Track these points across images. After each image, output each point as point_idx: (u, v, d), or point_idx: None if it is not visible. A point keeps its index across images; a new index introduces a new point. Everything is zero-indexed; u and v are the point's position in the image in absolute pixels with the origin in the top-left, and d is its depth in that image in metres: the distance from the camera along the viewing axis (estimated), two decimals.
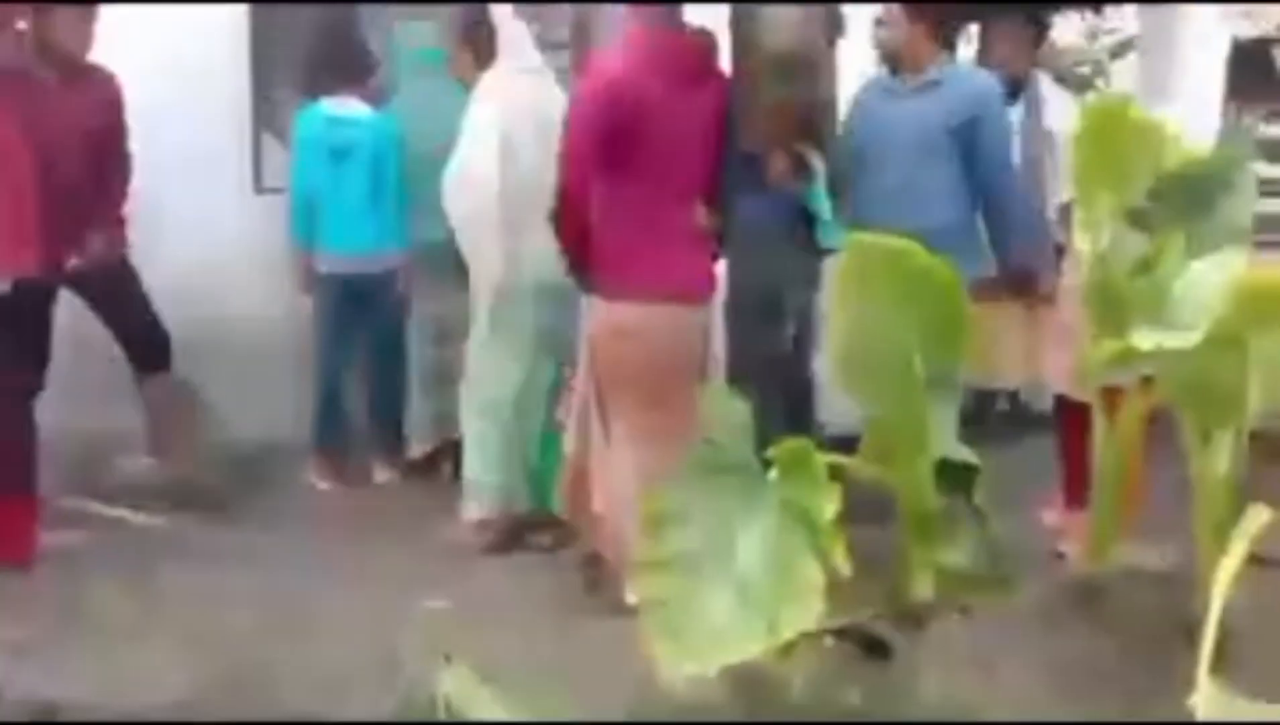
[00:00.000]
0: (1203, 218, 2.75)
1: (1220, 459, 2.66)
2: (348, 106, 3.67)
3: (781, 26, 2.66)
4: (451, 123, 3.31)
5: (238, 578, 3.02)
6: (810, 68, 2.78)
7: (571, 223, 2.87)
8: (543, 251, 3.10)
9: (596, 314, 2.92)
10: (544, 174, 2.97)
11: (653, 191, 2.83)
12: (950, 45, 3.72)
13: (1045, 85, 4.12)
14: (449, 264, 3.48)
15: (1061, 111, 4.01)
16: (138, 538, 3.42)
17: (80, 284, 3.41)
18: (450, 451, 3.72)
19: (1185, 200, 2.76)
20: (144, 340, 3.57)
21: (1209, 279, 2.26)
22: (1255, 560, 2.94)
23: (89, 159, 3.33)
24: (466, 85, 3.36)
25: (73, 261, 3.32)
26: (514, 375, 3.31)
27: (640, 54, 2.79)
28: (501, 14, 3.33)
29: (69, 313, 3.46)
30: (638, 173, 2.81)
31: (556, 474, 3.18)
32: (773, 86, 2.72)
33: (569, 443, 3.08)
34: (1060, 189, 3.91)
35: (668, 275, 2.85)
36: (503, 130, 3.20)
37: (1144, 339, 2.10)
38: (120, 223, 3.58)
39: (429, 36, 3.87)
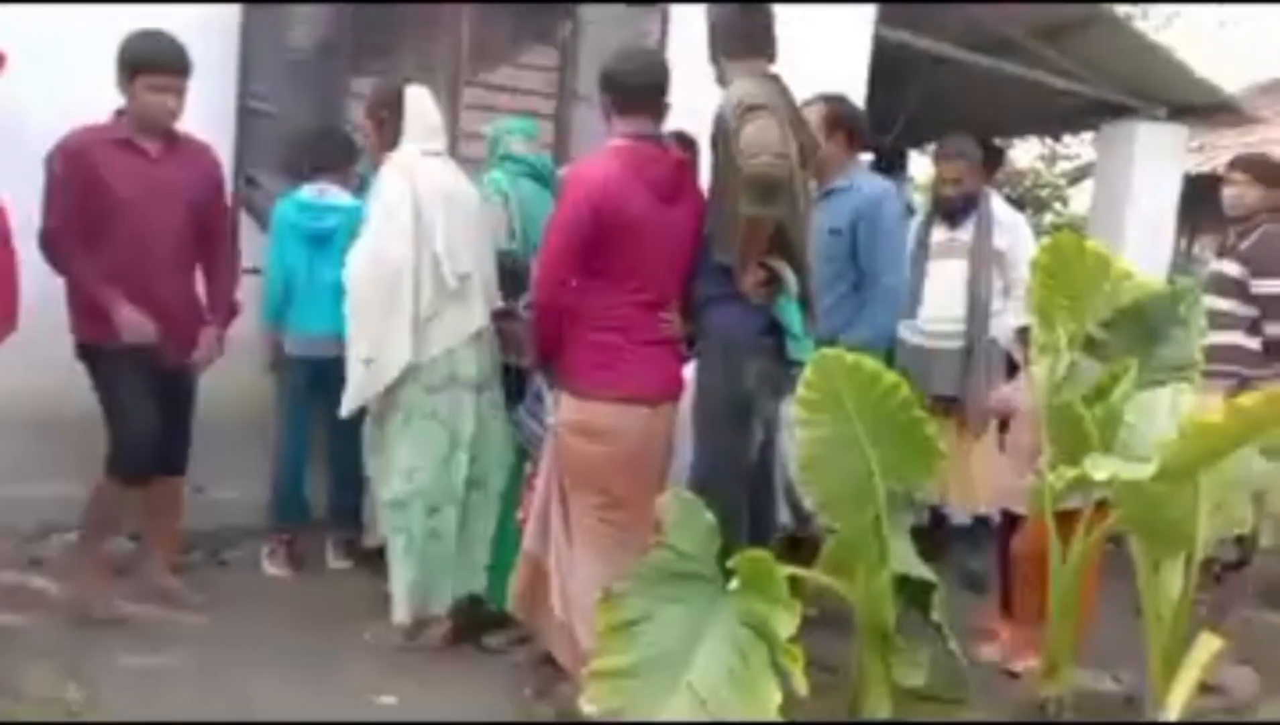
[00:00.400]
0: (1154, 348, 2.86)
1: (1171, 587, 2.72)
2: (327, 193, 3.71)
3: (760, 149, 2.75)
4: None
5: (179, 660, 2.99)
6: (786, 189, 2.87)
7: (549, 322, 2.91)
8: (452, 336, 3.18)
9: (565, 412, 2.93)
10: (456, 257, 3.13)
11: (631, 296, 2.89)
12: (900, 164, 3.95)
13: (998, 205, 4.30)
14: None
15: (1014, 232, 4.23)
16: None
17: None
18: None
19: (1138, 331, 2.87)
20: (178, 442, 3.40)
21: (1160, 410, 2.33)
22: (1206, 689, 2.99)
23: (195, 230, 3.29)
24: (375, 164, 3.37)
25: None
26: (424, 470, 3.19)
27: (624, 164, 2.86)
28: (415, 95, 3.34)
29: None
30: (618, 278, 2.87)
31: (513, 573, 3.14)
32: (750, 205, 2.79)
33: (528, 541, 3.05)
34: (1011, 307, 4.07)
35: (641, 378, 2.90)
36: (415, 210, 3.16)
37: (1099, 468, 2.15)
38: (230, 313, 3.48)
39: None
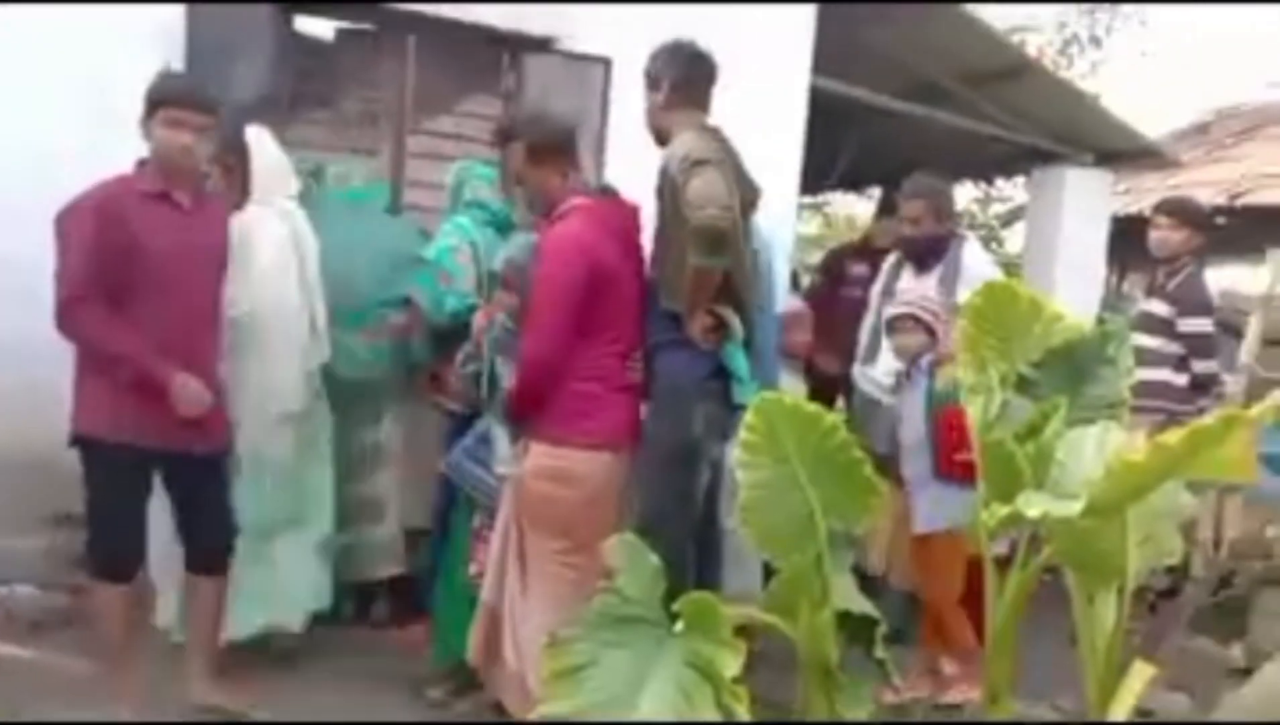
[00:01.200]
0: (1084, 387, 2.95)
1: (1105, 617, 2.78)
2: None
3: (706, 202, 2.81)
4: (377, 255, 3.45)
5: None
6: (732, 239, 2.94)
7: (543, 383, 2.91)
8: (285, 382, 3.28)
9: (537, 459, 2.92)
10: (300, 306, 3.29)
11: (608, 347, 2.95)
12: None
13: (971, 252, 3.97)
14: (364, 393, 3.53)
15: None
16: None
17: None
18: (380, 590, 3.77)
19: (1068, 370, 2.96)
20: (209, 537, 3.09)
21: (1088, 447, 2.41)
22: (1142, 714, 3.06)
23: (218, 292, 3.10)
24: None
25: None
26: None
27: (596, 222, 2.94)
28: (258, 138, 3.38)
29: None
30: (599, 330, 2.92)
31: (463, 624, 3.11)
32: (698, 256, 2.85)
33: (486, 592, 3.03)
34: None
35: (614, 424, 2.97)
36: (279, 256, 3.27)
37: (1030, 505, 2.21)
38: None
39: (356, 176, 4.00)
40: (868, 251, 5.03)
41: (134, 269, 2.81)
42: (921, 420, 3.51)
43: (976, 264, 3.91)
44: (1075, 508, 2.12)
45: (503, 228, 3.59)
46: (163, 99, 2.88)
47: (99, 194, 2.84)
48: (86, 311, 2.79)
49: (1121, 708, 2.59)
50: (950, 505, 3.38)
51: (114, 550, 2.93)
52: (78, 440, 2.90)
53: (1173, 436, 1.99)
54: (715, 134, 3.09)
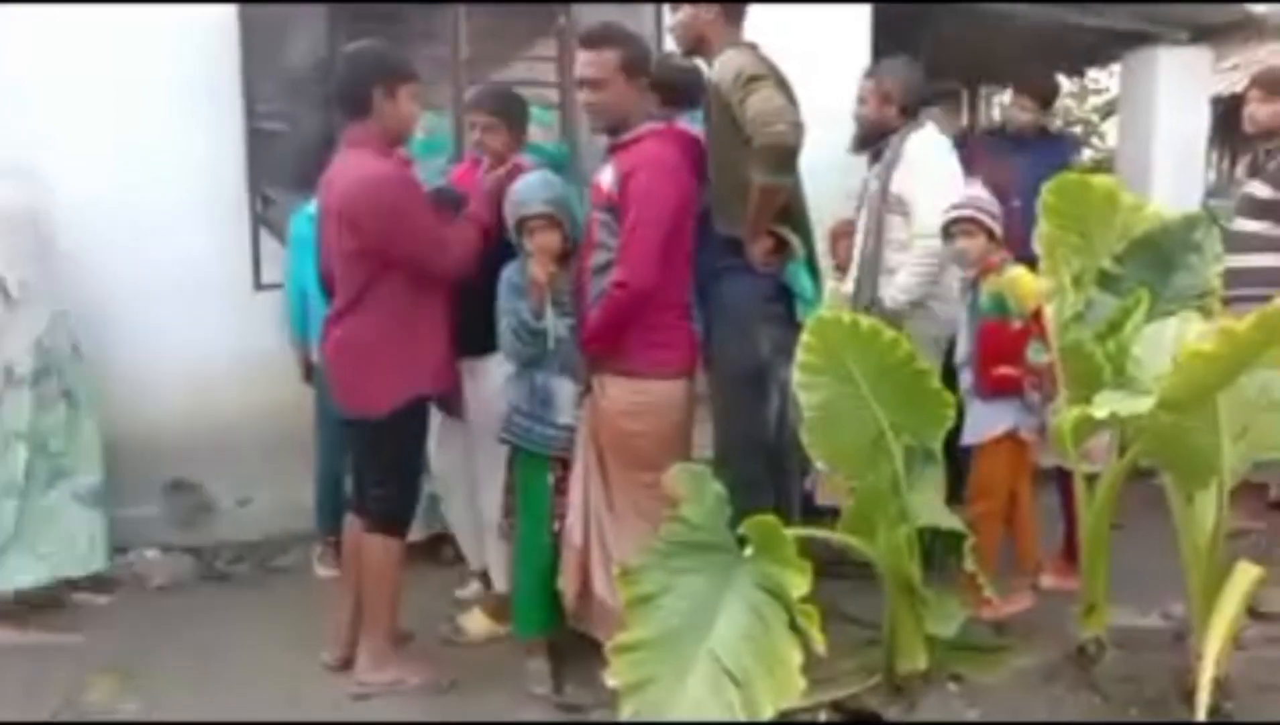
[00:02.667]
0: (1170, 277, 2.81)
1: (1205, 518, 2.67)
2: None
3: (773, 118, 2.76)
4: None
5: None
6: (796, 157, 2.88)
7: (640, 304, 2.86)
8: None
9: (618, 394, 2.92)
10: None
11: (679, 272, 2.94)
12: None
13: (918, 138, 3.66)
14: None
15: (918, 173, 3.59)
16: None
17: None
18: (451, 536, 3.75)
19: (1152, 261, 2.83)
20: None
21: (1166, 341, 2.30)
22: (1253, 614, 2.94)
23: None
24: None
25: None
26: None
27: (680, 149, 2.95)
28: None
29: None
30: (677, 259, 2.91)
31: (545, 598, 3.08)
32: (765, 174, 2.80)
33: (575, 536, 3.00)
34: (906, 267, 3.56)
35: (685, 353, 2.98)
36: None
37: (1100, 406, 2.13)
38: None
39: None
40: None
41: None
42: (967, 335, 3.40)
43: (920, 149, 3.63)
44: (1145, 404, 2.03)
45: (560, 168, 3.57)
46: (407, 72, 2.91)
47: (395, 173, 2.87)
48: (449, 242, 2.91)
49: (1227, 611, 2.50)
50: (988, 420, 3.29)
51: (411, 505, 3.06)
52: (410, 403, 2.93)
53: (1241, 324, 1.88)
54: (756, 49, 3.02)
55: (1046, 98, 4.94)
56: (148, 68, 3.92)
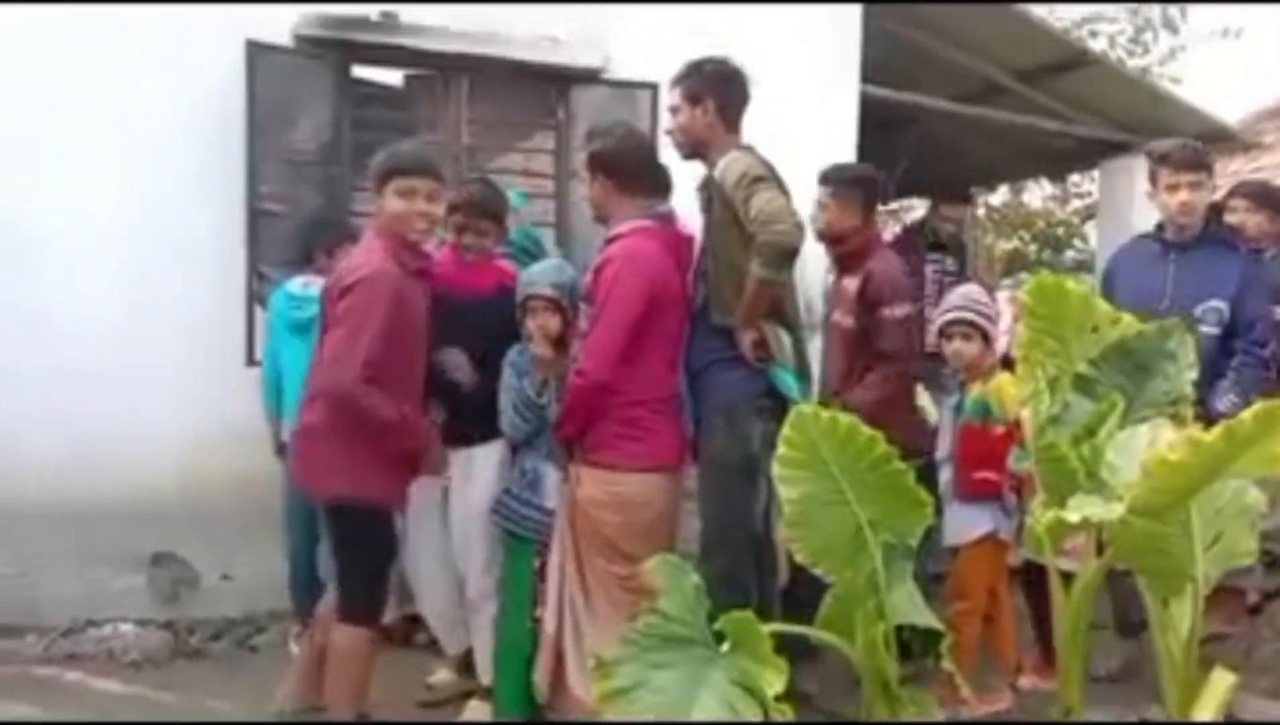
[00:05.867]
0: (1145, 384, 2.86)
1: (1180, 622, 2.68)
2: (312, 285, 3.66)
3: (778, 218, 2.85)
4: None
5: None
6: (796, 256, 2.97)
7: (601, 394, 2.94)
8: None
9: (592, 486, 2.97)
10: None
11: (657, 367, 3.00)
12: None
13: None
14: None
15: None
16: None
17: None
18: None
19: (1128, 367, 2.88)
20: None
21: (1137, 446, 2.35)
22: (1229, 722, 2.93)
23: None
24: None
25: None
26: None
27: (660, 244, 3.02)
28: None
29: None
30: (657, 353, 2.99)
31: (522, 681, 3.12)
32: (765, 269, 2.89)
33: (549, 623, 3.05)
34: None
35: (666, 446, 3.02)
36: None
37: (1073, 510, 2.17)
38: None
39: None
40: None
41: (395, 347, 2.83)
42: (950, 435, 3.46)
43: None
44: (1118, 510, 2.07)
45: (529, 254, 3.64)
46: (397, 168, 2.90)
47: (383, 269, 2.81)
48: (367, 389, 2.77)
49: (1203, 716, 2.50)
50: (969, 522, 3.34)
51: (374, 599, 2.96)
52: (342, 505, 2.88)
53: (1209, 434, 1.93)
54: (755, 151, 3.12)
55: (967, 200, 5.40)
56: (156, 141, 4.04)
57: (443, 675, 3.53)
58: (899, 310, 3.42)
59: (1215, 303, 3.53)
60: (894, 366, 3.41)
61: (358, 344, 2.73)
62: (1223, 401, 3.35)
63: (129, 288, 3.99)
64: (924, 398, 3.86)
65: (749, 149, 3.12)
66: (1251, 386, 3.45)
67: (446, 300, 3.09)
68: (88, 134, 3.97)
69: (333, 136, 4.35)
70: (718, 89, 3.12)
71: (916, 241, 5.44)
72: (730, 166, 3.00)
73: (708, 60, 3.15)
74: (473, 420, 3.21)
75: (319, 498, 2.95)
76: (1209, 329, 3.46)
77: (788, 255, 2.91)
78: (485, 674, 3.28)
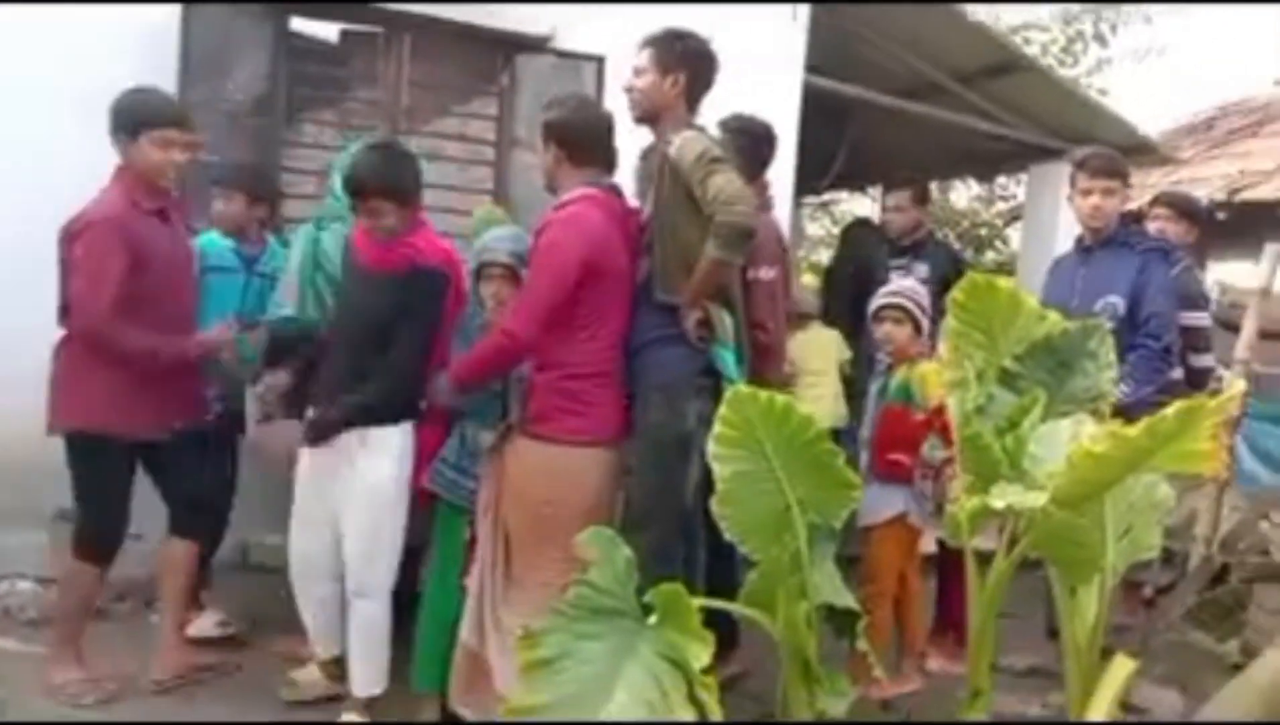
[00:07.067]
0: (1066, 380, 2.96)
1: (1087, 611, 2.79)
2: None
3: (737, 200, 2.84)
4: None
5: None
6: (753, 239, 2.97)
7: (517, 353, 2.94)
8: None
9: (527, 457, 2.93)
10: None
11: (599, 340, 2.95)
12: None
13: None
14: None
15: None
16: None
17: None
18: None
19: (1050, 364, 2.97)
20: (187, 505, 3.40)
21: (1061, 440, 2.42)
22: (1125, 708, 3.06)
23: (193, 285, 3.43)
24: None
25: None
26: None
27: (605, 214, 2.97)
28: None
29: None
30: (599, 325, 2.94)
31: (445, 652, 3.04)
32: (721, 250, 2.87)
33: (465, 632, 2.99)
34: None
35: (612, 418, 2.98)
36: None
37: (997, 497, 2.23)
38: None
39: None
40: None
41: (143, 282, 3.05)
42: (871, 416, 3.54)
43: None
44: (1040, 498, 2.14)
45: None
46: (153, 120, 3.09)
47: (111, 214, 3.04)
48: (120, 326, 3.02)
49: (1102, 702, 2.60)
50: (881, 503, 3.42)
51: (107, 534, 3.19)
52: (73, 433, 3.12)
53: (1132, 429, 2.00)
54: (709, 134, 3.12)
55: (921, 198, 4.89)
56: (90, 89, 3.79)
57: (310, 673, 3.31)
58: (766, 273, 3.52)
59: (1111, 298, 3.73)
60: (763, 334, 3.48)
61: (100, 290, 2.97)
62: (1116, 390, 3.48)
63: (47, 238, 3.80)
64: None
65: (702, 129, 3.11)
66: (1146, 378, 3.63)
67: (360, 277, 3.09)
68: (17, 84, 3.81)
69: (268, 89, 4.23)
70: (692, 66, 3.09)
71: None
72: (687, 145, 2.98)
73: (688, 35, 3.12)
74: (383, 399, 3.04)
75: (54, 430, 3.12)
76: (1105, 323, 3.60)
77: (746, 237, 2.90)
78: (358, 683, 3.08)
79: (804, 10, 5.01)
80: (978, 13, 5.63)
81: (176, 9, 3.97)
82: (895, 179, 4.63)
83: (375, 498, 3.00)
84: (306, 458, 3.11)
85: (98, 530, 3.17)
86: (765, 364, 3.45)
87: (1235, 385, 3.79)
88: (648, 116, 3.16)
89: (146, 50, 3.91)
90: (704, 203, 2.89)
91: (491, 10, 4.48)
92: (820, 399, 4.48)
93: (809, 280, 5.07)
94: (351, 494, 3.01)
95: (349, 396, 3.00)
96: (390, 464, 3.01)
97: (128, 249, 3.01)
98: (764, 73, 4.87)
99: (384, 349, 2.99)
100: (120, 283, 2.99)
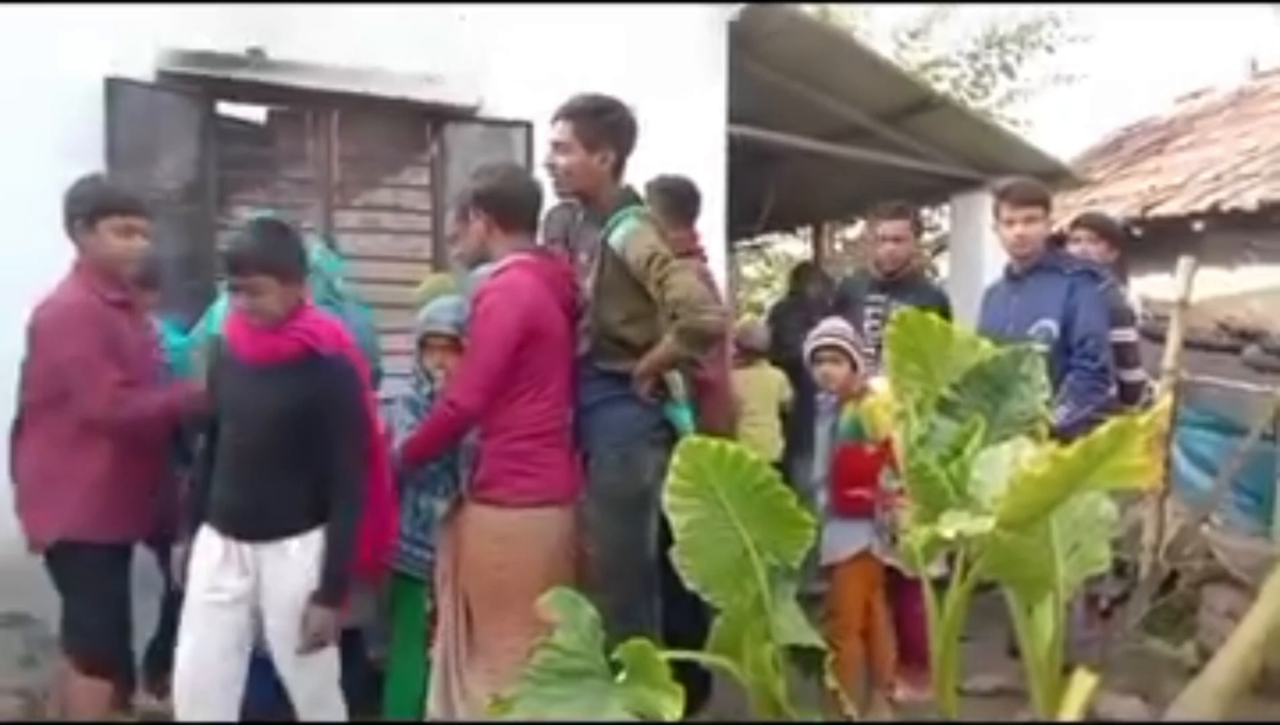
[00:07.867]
0: (1003, 405, 3.05)
1: (1044, 629, 2.85)
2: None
3: (704, 305, 2.88)
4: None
5: None
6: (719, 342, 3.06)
7: (463, 426, 2.93)
8: None
9: (479, 524, 2.92)
10: None
11: (542, 402, 2.95)
12: None
13: None
14: None
15: None
16: None
17: None
18: None
19: (986, 390, 3.06)
20: None
21: (1002, 464, 2.49)
22: (1091, 721, 3.11)
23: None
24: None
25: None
26: None
27: (538, 278, 2.97)
28: None
29: None
30: (539, 387, 2.94)
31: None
32: (688, 349, 2.94)
33: (433, 702, 2.98)
34: None
35: (563, 479, 2.99)
36: None
37: (946, 526, 2.28)
38: None
39: None
40: None
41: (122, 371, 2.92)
42: (824, 457, 3.60)
43: None
44: (987, 524, 2.20)
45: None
46: (112, 206, 2.98)
47: (79, 301, 2.90)
48: (128, 396, 2.88)
49: (1068, 716, 2.66)
50: (844, 540, 3.48)
51: (107, 648, 2.98)
52: (56, 545, 2.92)
53: (1068, 450, 2.08)
54: (647, 216, 3.12)
55: (918, 228, 4.94)
56: (7, 176, 3.81)
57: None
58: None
59: (1045, 322, 3.85)
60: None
61: (96, 370, 2.83)
62: (1056, 413, 3.58)
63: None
64: None
65: (648, 218, 3.09)
66: (1085, 398, 3.73)
67: (246, 373, 2.70)
68: None
69: (197, 175, 4.22)
70: (619, 140, 3.07)
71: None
72: (632, 242, 2.95)
73: (609, 107, 3.06)
74: (291, 506, 2.69)
75: (35, 545, 2.93)
76: (1040, 347, 3.71)
77: (710, 340, 2.96)
78: None
79: (723, 61, 5.15)
80: (888, 54, 5.82)
81: (99, 98, 3.95)
82: (885, 210, 4.52)
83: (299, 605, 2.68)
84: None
85: (100, 643, 2.96)
86: (711, 402, 3.48)
87: (1164, 400, 3.92)
88: (579, 194, 3.16)
89: (74, 137, 3.88)
90: (663, 305, 2.92)
91: (422, 79, 4.53)
92: (761, 437, 4.56)
93: (754, 318, 5.16)
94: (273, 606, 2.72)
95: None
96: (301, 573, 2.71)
97: (106, 339, 2.88)
98: (688, 126, 5.00)
99: (297, 452, 2.66)
100: (110, 367, 2.86)
